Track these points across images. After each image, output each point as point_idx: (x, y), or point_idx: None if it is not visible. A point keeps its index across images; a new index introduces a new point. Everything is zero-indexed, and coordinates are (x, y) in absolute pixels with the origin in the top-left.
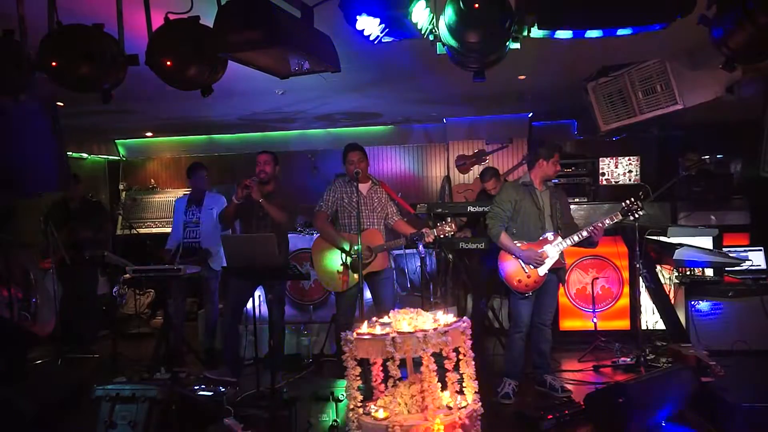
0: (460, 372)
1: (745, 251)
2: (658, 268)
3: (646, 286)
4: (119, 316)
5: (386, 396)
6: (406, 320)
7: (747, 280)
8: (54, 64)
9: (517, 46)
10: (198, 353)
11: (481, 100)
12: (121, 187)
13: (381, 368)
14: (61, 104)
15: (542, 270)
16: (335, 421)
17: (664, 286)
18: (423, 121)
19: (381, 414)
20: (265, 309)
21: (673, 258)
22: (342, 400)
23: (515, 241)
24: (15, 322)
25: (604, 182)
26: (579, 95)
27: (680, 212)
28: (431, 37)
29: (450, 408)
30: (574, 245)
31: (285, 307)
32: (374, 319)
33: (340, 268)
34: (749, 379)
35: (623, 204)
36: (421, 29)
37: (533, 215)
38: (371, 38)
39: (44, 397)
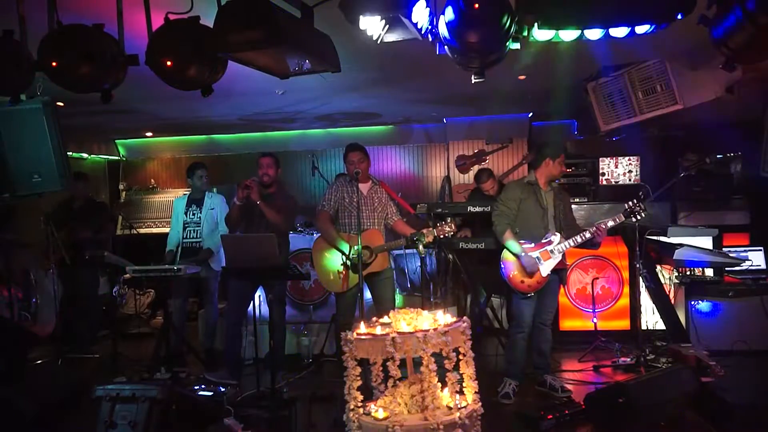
0: (460, 372)
1: (745, 251)
2: (658, 268)
3: (646, 286)
4: (119, 316)
5: (386, 396)
6: (406, 320)
7: (747, 280)
8: (54, 64)
9: (517, 46)
10: (198, 353)
11: (481, 100)
12: (121, 187)
13: (381, 368)
14: (61, 104)
15: (545, 271)
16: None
17: (664, 286)
18: (423, 121)
19: (381, 414)
20: (265, 309)
21: (673, 258)
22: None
23: (520, 241)
24: (15, 322)
25: (604, 182)
26: (579, 95)
27: (680, 212)
28: (431, 37)
29: (450, 408)
30: (576, 246)
31: (285, 307)
32: (374, 319)
33: (340, 269)
34: (749, 379)
35: (626, 206)
36: (421, 29)
37: (537, 215)
38: (374, 38)
39: (44, 397)
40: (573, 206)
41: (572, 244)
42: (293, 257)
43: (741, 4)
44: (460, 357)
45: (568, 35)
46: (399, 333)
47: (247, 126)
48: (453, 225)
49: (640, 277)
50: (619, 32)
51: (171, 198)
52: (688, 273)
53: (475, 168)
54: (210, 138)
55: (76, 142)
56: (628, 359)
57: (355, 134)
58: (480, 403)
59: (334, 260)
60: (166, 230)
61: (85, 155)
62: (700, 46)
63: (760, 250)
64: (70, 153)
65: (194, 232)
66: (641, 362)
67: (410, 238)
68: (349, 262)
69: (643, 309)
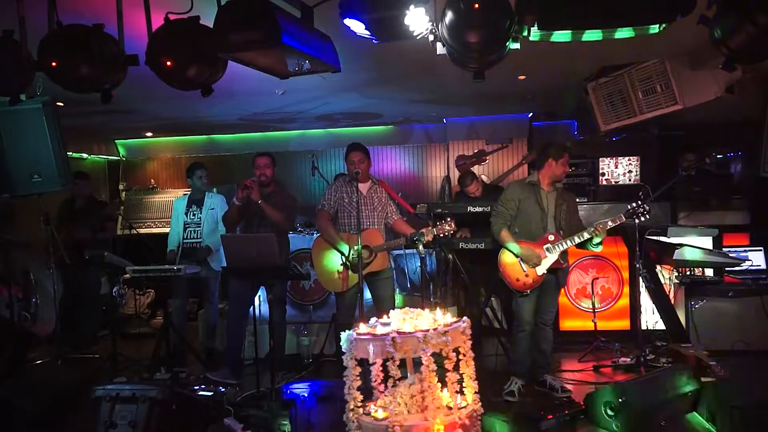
0: (460, 372)
1: (745, 251)
2: (658, 268)
3: (646, 286)
4: (119, 316)
5: (386, 396)
6: (406, 320)
7: (747, 280)
8: (54, 64)
9: (517, 46)
10: (198, 353)
11: (481, 100)
12: (121, 187)
13: (381, 368)
14: (61, 104)
15: (540, 270)
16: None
17: (664, 286)
18: (423, 121)
19: (381, 414)
20: (265, 309)
21: (673, 258)
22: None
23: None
24: (15, 322)
25: (604, 182)
26: (579, 95)
27: (680, 212)
28: (431, 37)
29: (450, 408)
30: (576, 246)
31: (286, 307)
32: (374, 319)
33: (340, 268)
34: (749, 379)
35: (629, 207)
36: (414, 31)
37: (536, 215)
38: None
39: (44, 397)
40: None
41: (569, 243)
42: (293, 257)
43: (741, 4)
44: (460, 357)
45: (568, 36)
46: (399, 333)
47: (247, 126)
48: (453, 224)
49: (640, 277)
50: (619, 33)
51: (171, 198)
52: (688, 273)
53: (475, 168)
54: (210, 138)
55: (76, 142)
56: (628, 359)
57: (355, 134)
58: (480, 403)
59: (333, 260)
60: (166, 230)
61: (85, 155)
62: (700, 46)
63: (760, 250)
64: (70, 153)
65: (194, 232)
66: (641, 362)
67: (410, 237)
68: (348, 263)
69: (643, 309)
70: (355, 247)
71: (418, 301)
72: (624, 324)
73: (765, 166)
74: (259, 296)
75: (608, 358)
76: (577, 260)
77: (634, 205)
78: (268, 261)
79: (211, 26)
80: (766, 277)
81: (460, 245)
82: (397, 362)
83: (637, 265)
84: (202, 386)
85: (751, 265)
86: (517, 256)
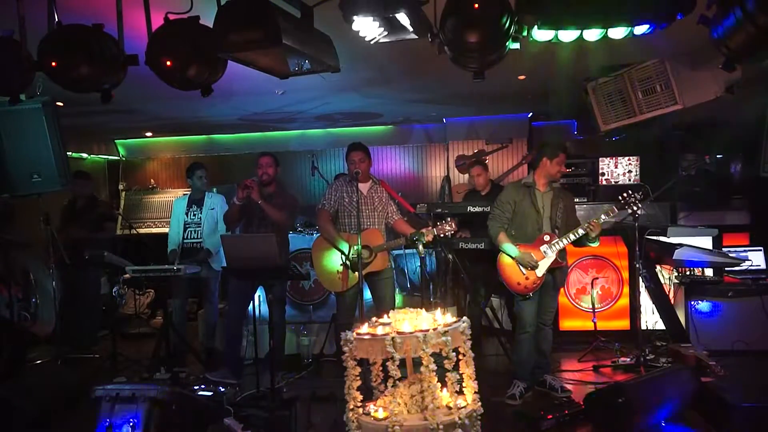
0: (460, 372)
1: (745, 251)
2: (658, 268)
3: (645, 286)
4: (119, 316)
5: (386, 396)
6: (406, 320)
7: (747, 280)
8: (54, 64)
9: (517, 46)
10: (198, 353)
11: (481, 100)
12: (120, 187)
13: (381, 368)
14: (61, 104)
15: (540, 271)
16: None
17: (664, 286)
18: (423, 121)
19: (381, 414)
20: (265, 309)
21: (673, 258)
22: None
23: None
24: (15, 322)
25: (604, 182)
26: (579, 95)
27: (680, 212)
28: (431, 38)
29: (450, 408)
30: (573, 244)
31: (285, 307)
32: (374, 319)
33: (340, 268)
34: (749, 379)
35: (620, 197)
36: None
37: (531, 217)
38: (366, 39)
39: (44, 397)
40: None
41: (566, 241)
42: (293, 257)
43: (741, 4)
44: (460, 357)
45: (568, 35)
46: (399, 333)
47: (247, 126)
48: (453, 224)
49: (640, 277)
50: (619, 32)
51: (171, 198)
52: (688, 273)
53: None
54: (210, 138)
55: (76, 142)
56: (628, 359)
57: (355, 134)
58: (480, 403)
59: (334, 260)
60: (166, 230)
61: (85, 155)
62: (700, 46)
63: (760, 250)
64: (70, 153)
65: (195, 232)
66: (641, 362)
67: (410, 237)
68: (348, 262)
69: (642, 309)
70: (355, 247)
71: (418, 301)
72: (624, 324)
73: (765, 166)
74: (259, 296)
75: (608, 358)
76: (576, 260)
77: (625, 195)
78: (268, 261)
79: (211, 26)
80: (766, 277)
81: (460, 245)
82: (397, 362)
83: (637, 265)
84: (202, 386)
85: (751, 265)
86: (514, 259)
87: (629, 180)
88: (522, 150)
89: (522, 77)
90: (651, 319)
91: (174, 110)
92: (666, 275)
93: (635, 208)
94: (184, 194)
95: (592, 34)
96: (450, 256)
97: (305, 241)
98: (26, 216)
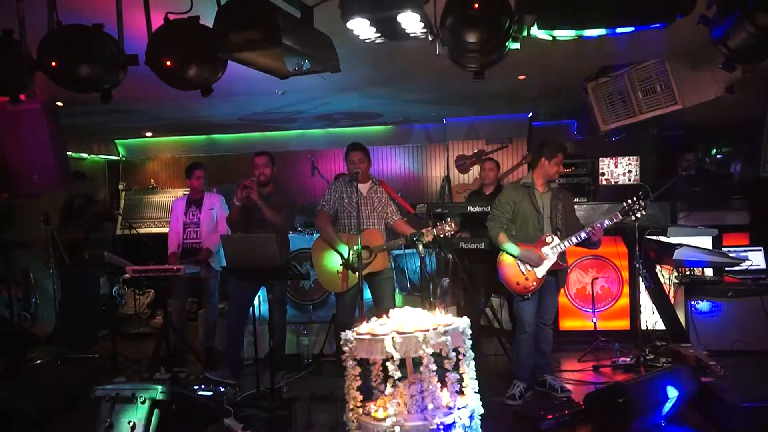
0: (460, 372)
1: (744, 251)
2: (658, 268)
3: (645, 286)
4: (119, 316)
5: (386, 396)
6: (406, 320)
7: (747, 280)
8: (54, 64)
9: (517, 46)
10: (198, 353)
11: (481, 100)
12: (120, 187)
13: (381, 368)
14: (61, 104)
15: (540, 272)
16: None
17: (664, 286)
18: (423, 121)
19: (381, 414)
20: (265, 309)
21: (673, 258)
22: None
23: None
24: (15, 322)
25: (604, 182)
26: (579, 95)
27: (680, 212)
28: (431, 37)
29: (450, 408)
30: (575, 246)
31: (286, 307)
32: (374, 319)
33: (340, 269)
34: (749, 379)
35: (624, 204)
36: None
37: (532, 217)
38: (362, 37)
39: (44, 397)
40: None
41: (567, 244)
42: (293, 257)
43: (741, 4)
44: (460, 357)
45: (567, 35)
46: (399, 333)
47: (247, 126)
48: (453, 224)
49: (640, 277)
50: (619, 32)
51: (170, 198)
52: (687, 273)
53: (475, 168)
54: (210, 138)
55: (76, 142)
56: (628, 359)
57: (355, 134)
58: (480, 403)
59: (333, 260)
60: (166, 230)
61: (84, 155)
62: (700, 46)
63: (760, 250)
64: (70, 153)
65: (194, 232)
66: (641, 362)
67: (410, 237)
68: (347, 264)
69: (642, 309)
70: (355, 247)
71: (418, 301)
72: (624, 324)
73: (765, 166)
74: (259, 296)
75: (608, 358)
76: (576, 260)
77: (629, 201)
78: (268, 261)
79: (211, 26)
80: (766, 277)
81: (460, 245)
82: (397, 362)
83: (637, 265)
84: (202, 386)
85: (751, 265)
86: (516, 257)
87: (629, 180)
88: (522, 150)
89: (522, 77)
90: (651, 319)
91: (174, 110)
92: (666, 275)
93: (639, 216)
94: (184, 194)
95: (592, 34)
96: (450, 256)
97: (305, 241)
98: (26, 216)
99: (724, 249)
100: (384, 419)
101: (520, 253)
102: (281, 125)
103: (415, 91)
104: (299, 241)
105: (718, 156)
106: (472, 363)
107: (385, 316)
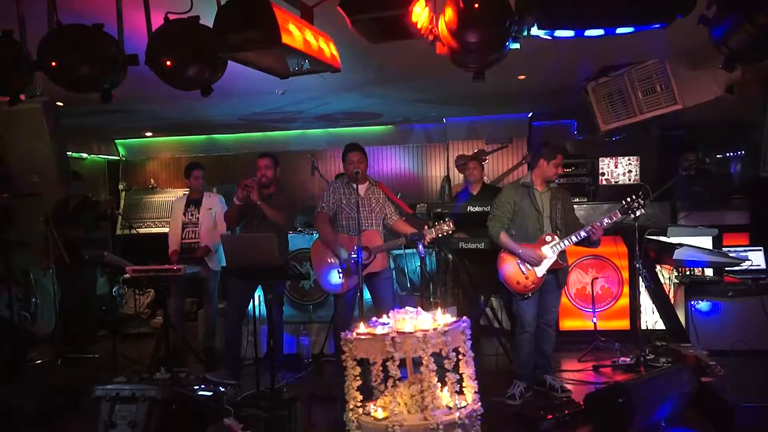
0: (460, 372)
1: (745, 251)
2: (658, 268)
3: (645, 286)
4: (119, 316)
5: (386, 396)
6: (406, 320)
7: (747, 280)
8: (54, 64)
9: (517, 46)
10: (198, 353)
11: (481, 100)
12: (120, 187)
13: (381, 368)
14: (61, 104)
15: (540, 271)
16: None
17: (664, 286)
18: (423, 121)
19: (381, 414)
20: (263, 308)
21: (673, 258)
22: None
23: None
24: (14, 322)
25: (604, 182)
26: (579, 95)
27: (680, 212)
28: (431, 37)
29: (450, 408)
30: (574, 245)
31: (284, 307)
32: (374, 319)
33: (340, 273)
34: (749, 379)
35: (623, 202)
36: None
37: (532, 217)
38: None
39: (44, 397)
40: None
41: (567, 243)
42: (293, 257)
43: (741, 4)
44: (460, 357)
45: (567, 35)
46: (399, 333)
47: (247, 126)
48: (451, 224)
49: (640, 277)
50: (619, 32)
51: (170, 198)
52: (688, 273)
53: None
54: (210, 138)
55: (76, 142)
56: (628, 359)
57: (355, 134)
58: (480, 403)
59: (332, 262)
60: (166, 230)
61: (84, 155)
62: (700, 46)
63: (760, 250)
64: (70, 153)
65: (193, 232)
66: (641, 362)
67: (410, 237)
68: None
69: (642, 309)
70: (355, 247)
71: (418, 301)
72: (624, 324)
73: (765, 166)
74: (259, 296)
75: (608, 358)
76: (576, 260)
77: (628, 200)
78: (268, 261)
79: (211, 26)
80: (766, 277)
81: (460, 245)
82: (397, 362)
83: (637, 265)
84: (202, 386)
85: (751, 265)
86: (517, 256)
87: (629, 180)
88: (522, 150)
89: (522, 77)
90: (651, 319)
91: (174, 110)
92: (666, 275)
93: (638, 213)
94: (183, 194)
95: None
96: (450, 256)
97: (305, 241)
98: (26, 216)
99: (724, 249)
100: (384, 419)
101: (521, 252)
102: (281, 125)
103: (415, 91)
104: (299, 241)
105: (718, 156)
106: (472, 363)
107: (385, 315)
